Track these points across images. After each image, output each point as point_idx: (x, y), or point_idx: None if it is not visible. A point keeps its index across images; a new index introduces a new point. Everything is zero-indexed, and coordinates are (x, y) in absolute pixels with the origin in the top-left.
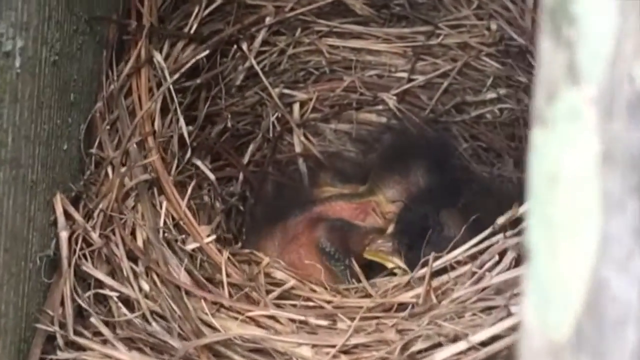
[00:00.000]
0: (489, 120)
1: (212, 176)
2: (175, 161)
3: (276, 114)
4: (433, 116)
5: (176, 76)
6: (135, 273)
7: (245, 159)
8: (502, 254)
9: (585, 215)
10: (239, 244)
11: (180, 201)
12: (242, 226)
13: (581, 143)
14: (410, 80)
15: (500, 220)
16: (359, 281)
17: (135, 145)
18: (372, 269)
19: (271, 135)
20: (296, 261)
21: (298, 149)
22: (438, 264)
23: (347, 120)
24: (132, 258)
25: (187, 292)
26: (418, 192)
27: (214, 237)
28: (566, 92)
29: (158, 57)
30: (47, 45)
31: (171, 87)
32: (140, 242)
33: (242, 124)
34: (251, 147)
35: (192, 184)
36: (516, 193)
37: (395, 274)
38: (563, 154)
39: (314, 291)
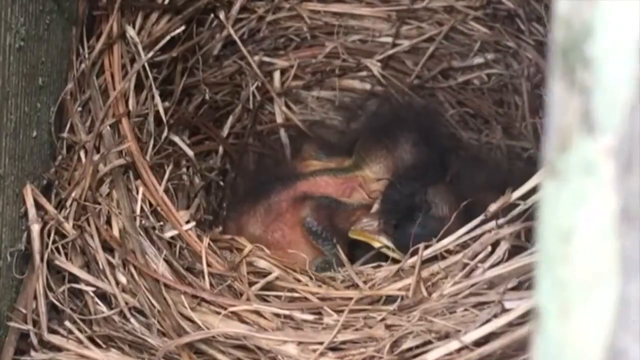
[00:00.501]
0: (476, 86)
1: (190, 152)
2: (152, 141)
3: (256, 84)
4: (418, 82)
5: (150, 54)
6: (111, 265)
7: (225, 132)
8: (494, 245)
9: (602, 277)
10: (220, 228)
11: (157, 186)
12: (223, 201)
13: (597, 198)
14: (394, 45)
15: (492, 207)
16: (349, 259)
17: (108, 128)
18: (360, 247)
19: (251, 105)
20: (280, 240)
21: (279, 119)
22: (428, 252)
23: (329, 87)
24: (109, 249)
25: (167, 285)
26: (405, 167)
27: (193, 224)
28: (580, 142)
29: (131, 32)
30: (11, 31)
31: (145, 62)
32: (116, 232)
33: (221, 95)
34: (230, 119)
35: (169, 168)
36: (505, 161)
37: (383, 254)
38: (577, 210)
39: (299, 281)
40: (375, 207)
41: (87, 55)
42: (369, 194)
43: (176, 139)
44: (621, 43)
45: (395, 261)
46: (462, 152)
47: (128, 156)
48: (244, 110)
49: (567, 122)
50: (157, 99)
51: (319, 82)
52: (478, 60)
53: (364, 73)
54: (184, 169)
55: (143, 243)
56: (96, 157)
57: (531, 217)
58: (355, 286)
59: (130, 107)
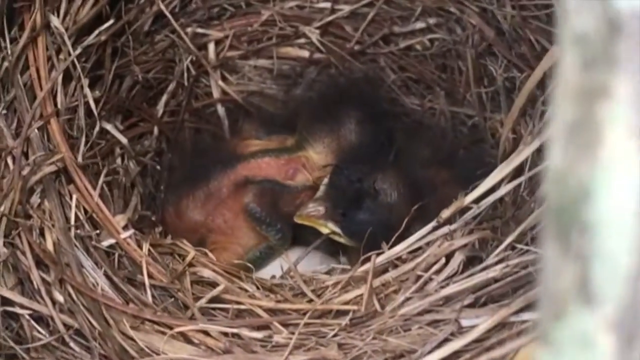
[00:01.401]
0: (418, 51)
1: (123, 139)
2: (83, 137)
3: (190, 57)
4: (359, 48)
5: (79, 50)
6: (47, 284)
7: (159, 111)
8: (449, 256)
9: None
10: (159, 228)
11: (91, 191)
12: (160, 183)
13: None
14: (333, 11)
15: (445, 213)
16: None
17: (37, 131)
18: (307, 231)
19: (186, 81)
20: (222, 225)
21: (216, 93)
22: (380, 261)
23: (267, 56)
24: (44, 264)
25: (107, 305)
26: (350, 147)
27: (130, 232)
28: (576, 312)
29: (55, 22)
30: None
31: (71, 51)
32: (50, 246)
33: (154, 73)
34: (165, 97)
35: (104, 166)
36: (449, 128)
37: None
38: None
39: (246, 291)
40: (321, 190)
41: (9, 52)
42: (313, 175)
43: (109, 127)
44: (622, 207)
45: (344, 248)
46: (406, 119)
47: (59, 161)
48: (178, 87)
49: (562, 289)
50: (87, 91)
51: (256, 52)
52: (420, 25)
53: (302, 40)
54: (118, 158)
55: (79, 256)
56: (24, 163)
57: (485, 221)
58: (303, 295)
59: (59, 104)
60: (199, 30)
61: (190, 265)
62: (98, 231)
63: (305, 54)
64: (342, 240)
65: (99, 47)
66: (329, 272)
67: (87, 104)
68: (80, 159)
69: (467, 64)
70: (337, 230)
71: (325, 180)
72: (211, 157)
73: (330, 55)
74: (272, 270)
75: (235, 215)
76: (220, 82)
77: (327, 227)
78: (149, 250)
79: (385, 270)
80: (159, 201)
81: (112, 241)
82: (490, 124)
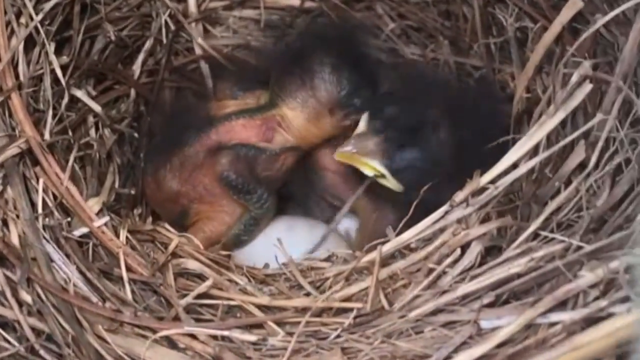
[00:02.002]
0: None
1: (97, 107)
2: (50, 110)
3: (168, 11)
4: None
5: (42, 14)
6: (12, 284)
7: (136, 72)
8: (464, 247)
9: None
10: (139, 210)
11: (60, 173)
12: (139, 150)
13: None
14: None
15: (459, 195)
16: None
17: None
18: (292, 200)
19: (164, 37)
20: (204, 194)
21: (198, 49)
22: (386, 250)
23: (253, 6)
24: (8, 261)
25: (81, 307)
26: (330, 98)
27: (105, 219)
28: None
29: None
30: None
31: (33, 14)
32: (15, 240)
33: (128, 30)
34: (141, 56)
35: (75, 147)
36: (454, 80)
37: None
38: None
39: (236, 284)
40: (363, 125)
41: None
42: (291, 134)
43: (79, 93)
44: None
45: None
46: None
47: (23, 142)
48: (156, 44)
49: None
50: (53, 57)
51: (242, 1)
52: None
53: None
54: (92, 129)
55: (48, 249)
56: None
57: (503, 203)
58: (300, 287)
59: (21, 75)
60: None
61: (174, 254)
62: (69, 219)
63: (295, 2)
64: (387, 183)
65: (66, 5)
66: (329, 259)
67: (53, 71)
68: (47, 135)
69: (474, 11)
70: (384, 170)
71: (365, 116)
72: (186, 120)
73: (323, 3)
74: (265, 251)
75: (215, 182)
76: (200, 41)
77: (371, 167)
78: (127, 238)
79: (392, 259)
80: (139, 171)
81: (85, 230)
82: (500, 77)
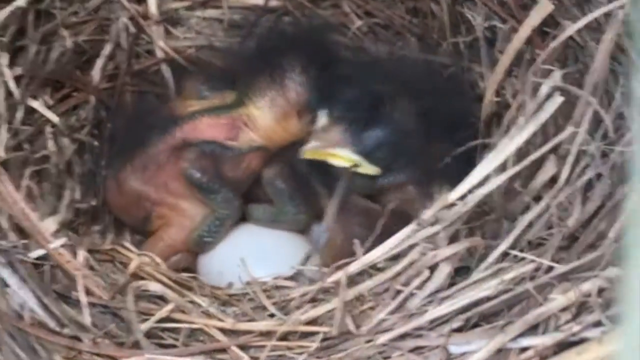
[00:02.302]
0: None
1: (54, 118)
2: (5, 125)
3: (128, 13)
4: None
5: None
6: None
7: (95, 77)
8: (433, 268)
9: None
10: (98, 227)
11: (14, 193)
12: (100, 158)
13: None
14: None
15: (427, 214)
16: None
17: None
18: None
19: (125, 41)
20: (166, 196)
21: (160, 52)
22: (353, 270)
23: (216, 5)
24: None
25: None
26: (298, 99)
27: (62, 240)
28: None
29: None
30: None
31: None
32: None
33: (86, 35)
34: (101, 61)
35: (31, 163)
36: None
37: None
38: None
39: (199, 306)
40: (321, 120)
41: None
42: (258, 134)
43: (36, 104)
44: None
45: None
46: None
47: None
48: (116, 48)
49: None
50: (5, 70)
51: (204, 1)
52: None
53: None
54: (50, 140)
55: (3, 274)
56: None
57: (472, 219)
58: (265, 308)
59: None
60: None
61: (135, 275)
62: (25, 241)
63: (259, 1)
64: (363, 170)
65: (20, 14)
66: (295, 277)
67: (7, 83)
68: (1, 152)
69: (442, 9)
70: (356, 156)
71: (323, 112)
72: (149, 121)
73: (287, 2)
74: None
75: (178, 184)
76: (162, 43)
77: (343, 157)
78: (85, 258)
79: (360, 277)
80: (100, 179)
81: (41, 252)
82: (470, 76)
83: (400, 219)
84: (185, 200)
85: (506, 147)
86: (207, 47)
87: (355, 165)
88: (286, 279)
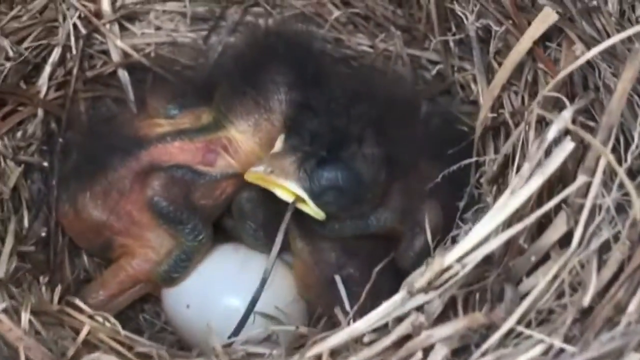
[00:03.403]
0: None
1: None
2: None
3: (78, 12)
4: None
5: None
6: None
7: (42, 88)
8: (427, 350)
9: None
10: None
11: None
12: (51, 175)
13: None
14: None
15: (419, 281)
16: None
17: None
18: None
19: (74, 44)
20: (129, 227)
21: (115, 55)
22: (333, 344)
23: None
24: None
25: None
26: (289, 120)
27: (2, 305)
28: None
29: None
30: None
31: None
32: None
33: (30, 41)
34: (47, 69)
35: None
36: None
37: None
38: None
39: None
40: (279, 145)
41: None
42: (238, 159)
43: None
44: None
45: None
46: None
47: None
48: (65, 52)
49: None
50: None
51: None
52: None
53: None
54: None
55: None
56: None
57: (470, 283)
58: None
59: None
60: None
61: (86, 343)
62: None
63: None
64: (307, 209)
65: None
66: (269, 338)
67: None
68: None
69: (430, 2)
70: (301, 192)
71: (282, 137)
72: (109, 140)
73: None
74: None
75: (143, 213)
76: (118, 43)
77: (288, 190)
78: (29, 321)
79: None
80: (53, 200)
81: None
82: (461, 77)
83: (384, 241)
84: (151, 230)
85: (508, 203)
86: (169, 44)
87: (301, 201)
88: (259, 343)
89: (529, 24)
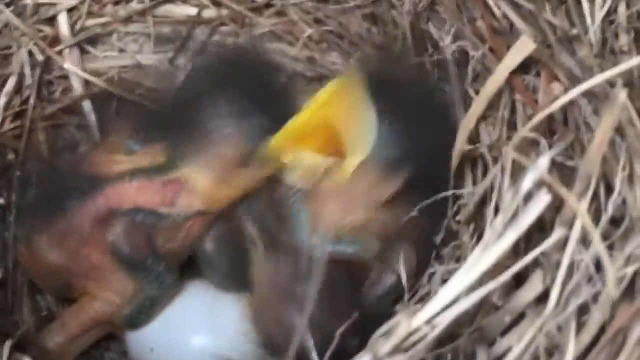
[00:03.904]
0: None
1: None
2: None
3: (32, 41)
4: (261, 1)
5: None
6: None
7: None
8: None
9: None
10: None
11: None
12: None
13: None
14: None
15: (384, 346)
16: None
17: None
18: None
19: (30, 73)
20: (90, 271)
21: (76, 81)
22: None
23: (140, 20)
24: None
25: None
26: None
27: None
28: None
29: None
30: None
31: None
32: None
33: None
34: (2, 100)
35: None
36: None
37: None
38: None
39: None
40: None
41: None
42: (201, 197)
43: None
44: None
45: None
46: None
47: None
48: (21, 81)
49: None
50: None
51: (127, 17)
52: None
53: None
54: None
55: None
56: None
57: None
58: None
59: None
60: None
61: None
62: None
63: (191, 11)
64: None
65: None
66: None
67: None
68: None
69: (405, 23)
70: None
71: None
72: (66, 179)
73: (225, 10)
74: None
75: (103, 256)
76: (80, 72)
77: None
78: None
79: None
80: (10, 238)
81: None
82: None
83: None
84: (112, 274)
85: (481, 260)
86: (133, 67)
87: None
88: None
89: (508, 48)
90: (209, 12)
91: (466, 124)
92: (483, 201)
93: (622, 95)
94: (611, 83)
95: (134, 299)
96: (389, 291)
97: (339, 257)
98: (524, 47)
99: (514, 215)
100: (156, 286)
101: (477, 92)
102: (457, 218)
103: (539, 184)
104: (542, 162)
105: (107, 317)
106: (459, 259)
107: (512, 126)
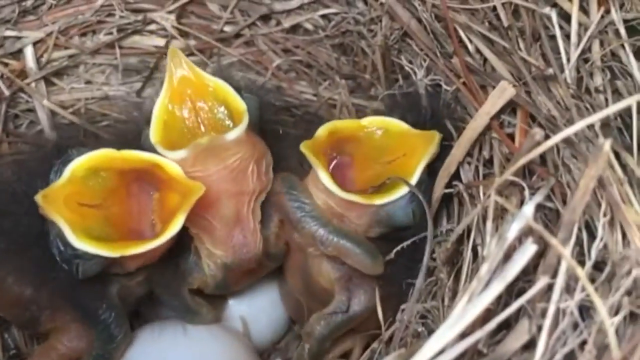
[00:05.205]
0: (310, 29)
1: None
2: None
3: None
4: (230, 31)
5: None
6: None
7: None
8: None
9: None
10: None
11: None
12: None
13: None
14: None
15: None
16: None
17: None
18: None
19: None
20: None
21: (43, 115)
22: None
23: (108, 52)
24: None
25: None
26: None
27: None
28: None
29: None
30: None
31: None
32: None
33: None
34: None
35: None
36: None
37: None
38: None
39: None
40: None
41: None
42: None
43: None
44: None
45: None
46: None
47: None
48: None
49: None
50: None
51: (95, 51)
52: None
53: (153, 27)
54: None
55: None
56: None
57: None
58: None
59: None
60: (10, 32)
61: None
62: None
63: (159, 42)
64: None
65: None
66: None
67: None
68: None
69: (375, 53)
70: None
71: None
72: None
73: (193, 41)
74: None
75: None
76: (47, 102)
77: None
78: None
79: None
80: None
81: None
82: None
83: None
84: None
85: (466, 312)
86: (100, 99)
87: None
88: None
89: (482, 86)
90: (177, 43)
91: (446, 168)
92: (460, 241)
93: (606, 145)
94: (590, 125)
95: (91, 352)
96: (334, 329)
97: None
98: (503, 92)
99: (499, 265)
100: (108, 343)
101: (457, 130)
102: (434, 255)
103: (525, 232)
104: (528, 210)
105: (78, 352)
106: (435, 296)
107: (489, 164)
